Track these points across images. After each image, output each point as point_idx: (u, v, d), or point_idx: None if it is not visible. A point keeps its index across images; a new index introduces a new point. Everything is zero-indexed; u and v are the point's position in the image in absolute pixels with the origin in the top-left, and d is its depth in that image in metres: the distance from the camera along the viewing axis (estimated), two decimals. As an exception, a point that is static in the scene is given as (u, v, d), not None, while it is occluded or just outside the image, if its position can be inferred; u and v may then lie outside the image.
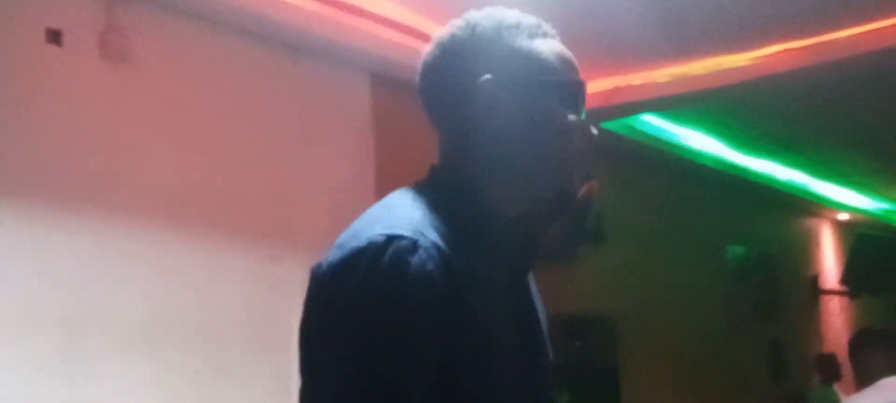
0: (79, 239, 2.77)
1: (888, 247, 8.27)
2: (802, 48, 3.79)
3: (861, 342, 3.44)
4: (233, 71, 3.30)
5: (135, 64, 2.96)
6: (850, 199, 7.73)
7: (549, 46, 1.22)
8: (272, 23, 3.25)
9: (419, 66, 1.26)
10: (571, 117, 1.19)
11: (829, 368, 6.94)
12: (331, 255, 1.07)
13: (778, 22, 3.68)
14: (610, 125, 4.81)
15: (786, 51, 3.84)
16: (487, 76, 1.17)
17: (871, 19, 3.58)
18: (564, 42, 3.91)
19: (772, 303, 6.91)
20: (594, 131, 1.22)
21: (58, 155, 2.76)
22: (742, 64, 3.98)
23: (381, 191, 4.18)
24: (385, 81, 3.81)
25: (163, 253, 2.98)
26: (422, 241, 1.02)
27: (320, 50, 3.55)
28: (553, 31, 1.26)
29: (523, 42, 1.20)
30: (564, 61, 1.22)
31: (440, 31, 1.25)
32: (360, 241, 1.03)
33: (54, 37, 2.76)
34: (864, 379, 3.31)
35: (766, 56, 3.89)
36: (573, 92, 1.21)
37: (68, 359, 2.70)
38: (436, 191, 1.17)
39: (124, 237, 2.88)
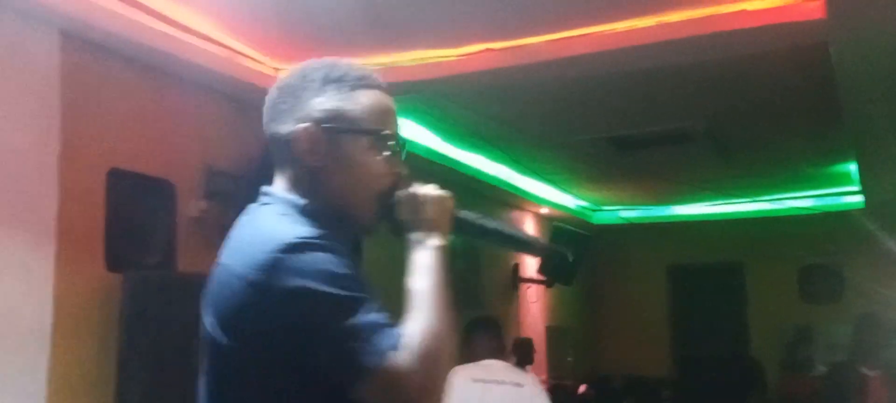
0: None
1: (580, 241, 8.98)
2: (502, 50, 3.99)
3: (472, 328, 4.18)
4: None
5: None
6: (552, 196, 8.30)
7: (366, 98, 1.48)
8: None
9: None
10: (375, 159, 1.47)
11: (523, 352, 7.40)
12: (242, 258, 1.36)
13: (482, 23, 3.84)
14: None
15: (487, 50, 4.02)
16: (306, 124, 1.45)
17: (561, 28, 3.84)
18: (269, 19, 3.82)
19: (474, 290, 7.26)
20: (401, 166, 1.51)
21: None
22: (448, 59, 4.12)
23: (68, 158, 3.84)
24: (77, 40, 3.53)
25: None
26: (311, 237, 1.35)
27: (3, 2, 3.22)
28: (379, 82, 1.52)
29: (343, 93, 1.47)
30: (377, 112, 1.48)
31: (283, 75, 1.54)
32: (274, 244, 1.33)
33: None
34: (472, 358, 3.99)
35: (469, 54, 4.06)
36: (379, 138, 1.47)
37: None
38: (292, 211, 1.45)
39: None
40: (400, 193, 1.50)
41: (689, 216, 9.26)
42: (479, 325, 4.21)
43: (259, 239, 1.37)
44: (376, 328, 1.31)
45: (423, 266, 1.43)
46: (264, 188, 1.52)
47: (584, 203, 9.22)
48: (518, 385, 3.91)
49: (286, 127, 1.47)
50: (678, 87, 4.80)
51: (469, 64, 4.09)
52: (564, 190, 8.45)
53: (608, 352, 10.03)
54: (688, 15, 3.65)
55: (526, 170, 7.30)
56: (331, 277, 1.32)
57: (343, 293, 1.32)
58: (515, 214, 8.52)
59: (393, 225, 1.52)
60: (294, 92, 1.48)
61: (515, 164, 7.03)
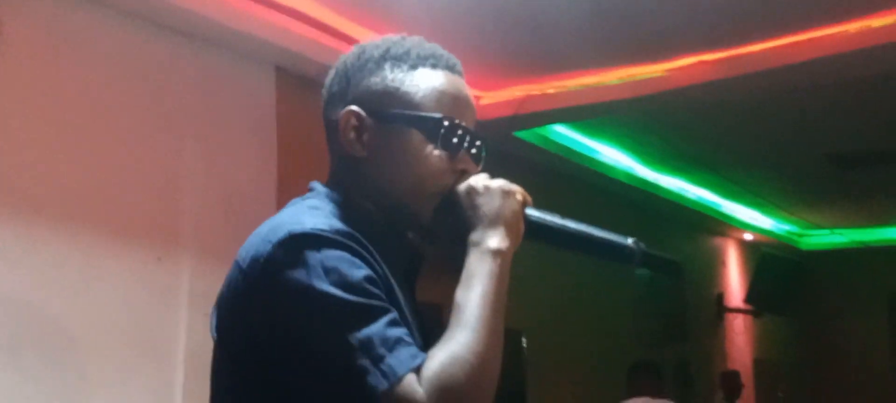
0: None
1: (791, 268, 8.44)
2: (716, 60, 3.76)
3: (633, 369, 4.78)
4: (121, 57, 3.09)
5: (5, 44, 2.70)
6: (756, 220, 7.85)
7: (428, 79, 1.24)
8: (172, 8, 3.06)
9: None
10: (431, 152, 1.22)
11: (732, 385, 7.02)
12: (246, 248, 1.16)
13: (693, 33, 3.63)
14: (523, 134, 4.72)
15: (700, 62, 3.80)
16: (351, 107, 1.24)
17: (784, 33, 3.56)
18: (474, 49, 3.70)
19: (679, 320, 6.94)
20: (470, 162, 1.26)
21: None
22: (656, 75, 3.93)
23: (283, 192, 3.93)
24: (291, 76, 3.64)
25: (30, 253, 2.74)
26: (327, 230, 1.13)
27: (220, 39, 3.36)
28: (450, 63, 1.28)
29: (400, 73, 1.24)
30: (439, 96, 1.24)
31: (343, 54, 1.31)
32: (281, 233, 1.12)
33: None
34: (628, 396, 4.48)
35: (680, 67, 3.85)
36: (436, 126, 1.22)
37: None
38: (327, 204, 1.24)
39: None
40: (459, 187, 1.23)
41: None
42: (640, 366, 4.79)
43: (272, 228, 1.15)
44: (392, 344, 1.07)
45: (475, 272, 1.16)
46: (311, 183, 1.31)
47: (791, 227, 8.63)
48: None
49: (336, 112, 1.26)
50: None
51: (679, 78, 3.88)
52: (771, 213, 7.95)
53: (823, 388, 9.31)
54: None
55: (731, 193, 6.92)
56: (342, 278, 1.09)
57: (355, 298, 1.08)
58: (718, 240, 8.11)
59: (453, 232, 1.23)
60: (348, 72, 1.27)
61: (719, 188, 6.68)
